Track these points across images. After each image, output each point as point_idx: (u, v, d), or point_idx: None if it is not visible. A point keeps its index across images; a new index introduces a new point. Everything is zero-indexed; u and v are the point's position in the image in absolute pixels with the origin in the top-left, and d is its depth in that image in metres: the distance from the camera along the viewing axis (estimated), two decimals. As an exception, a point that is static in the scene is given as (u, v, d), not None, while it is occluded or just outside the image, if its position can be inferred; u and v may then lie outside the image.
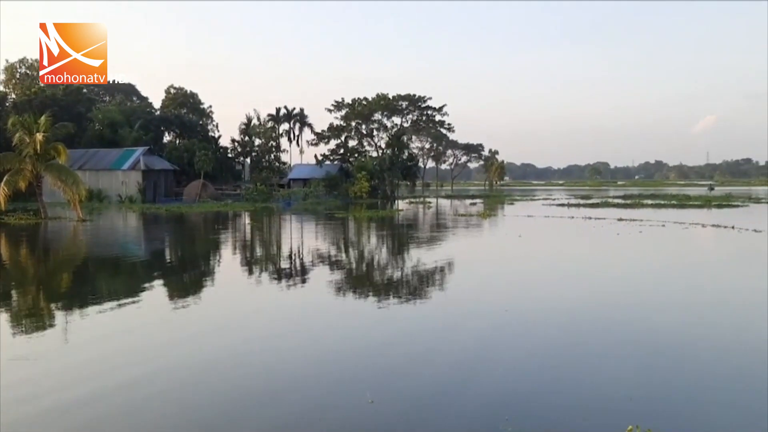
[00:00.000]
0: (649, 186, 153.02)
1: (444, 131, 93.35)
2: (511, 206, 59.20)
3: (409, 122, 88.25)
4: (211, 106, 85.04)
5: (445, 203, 68.78)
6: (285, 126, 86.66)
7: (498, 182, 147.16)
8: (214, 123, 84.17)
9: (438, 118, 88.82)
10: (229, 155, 77.75)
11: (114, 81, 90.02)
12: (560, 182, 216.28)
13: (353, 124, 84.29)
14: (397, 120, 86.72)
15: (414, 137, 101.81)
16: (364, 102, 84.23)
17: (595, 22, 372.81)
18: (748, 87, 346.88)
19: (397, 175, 78.33)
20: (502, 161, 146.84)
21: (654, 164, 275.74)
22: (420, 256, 22.27)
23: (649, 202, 61.16)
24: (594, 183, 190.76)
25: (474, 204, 63.97)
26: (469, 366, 9.14)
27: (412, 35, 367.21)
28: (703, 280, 17.49)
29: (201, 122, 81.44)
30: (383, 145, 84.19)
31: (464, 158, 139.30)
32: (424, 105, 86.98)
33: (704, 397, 7.86)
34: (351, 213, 47.89)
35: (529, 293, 15.02)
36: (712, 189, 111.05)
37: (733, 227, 31.18)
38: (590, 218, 38.95)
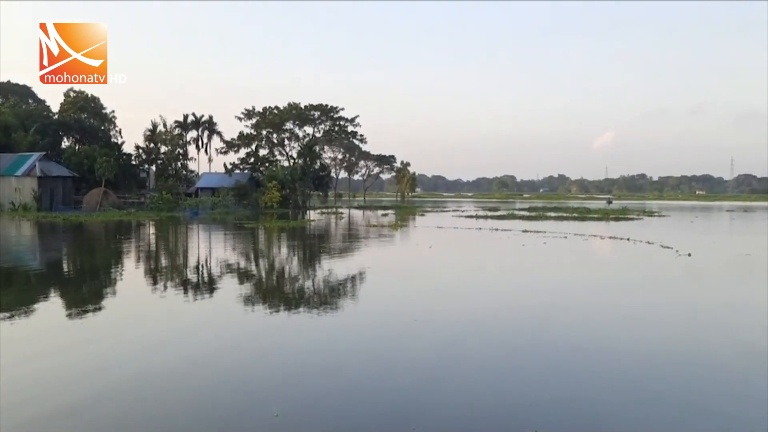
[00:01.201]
0: (552, 199, 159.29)
1: (356, 142, 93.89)
2: (422, 217, 59.99)
3: (322, 132, 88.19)
4: (113, 111, 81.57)
5: (357, 214, 68.88)
6: (193, 133, 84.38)
7: (409, 194, 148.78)
8: (117, 128, 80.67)
9: (350, 128, 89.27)
10: (133, 162, 74.74)
11: (8, 81, 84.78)
12: (469, 194, 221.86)
13: (264, 132, 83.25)
14: (309, 130, 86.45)
15: (326, 147, 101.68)
16: (276, 111, 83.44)
17: (504, 40, 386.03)
18: (644, 106, 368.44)
19: (308, 185, 77.86)
20: (414, 173, 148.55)
21: (557, 178, 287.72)
22: (331, 267, 22.09)
23: (553, 214, 63.58)
24: (501, 195, 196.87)
25: (386, 215, 64.42)
26: (378, 376, 9.06)
27: (326, 45, 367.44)
28: (601, 287, 18.21)
29: (103, 127, 77.87)
30: (295, 155, 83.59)
31: (376, 169, 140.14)
32: (336, 115, 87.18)
33: (605, 398, 8.09)
34: (261, 223, 47.05)
35: (438, 303, 15.13)
36: (610, 203, 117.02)
37: (628, 239, 32.85)
38: (497, 230, 40.01)
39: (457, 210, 77.91)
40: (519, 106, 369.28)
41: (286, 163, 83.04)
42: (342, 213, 68.91)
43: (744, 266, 23.19)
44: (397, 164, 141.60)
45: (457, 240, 33.78)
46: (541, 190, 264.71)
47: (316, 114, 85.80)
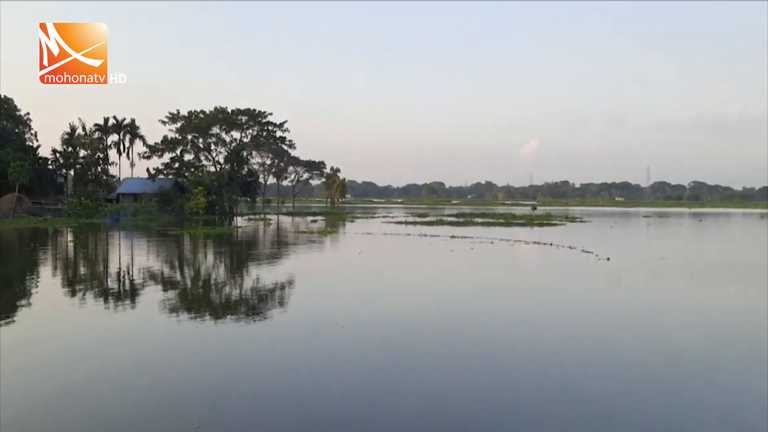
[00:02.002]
0: (479, 205, 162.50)
1: (285, 147, 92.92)
2: (351, 223, 59.90)
3: (249, 137, 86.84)
4: (29, 113, 77.89)
5: (286, 220, 68.13)
6: (114, 137, 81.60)
7: (339, 200, 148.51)
8: (33, 131, 77.07)
9: (279, 134, 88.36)
10: (50, 167, 71.49)
11: None
12: (399, 200, 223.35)
13: (189, 137, 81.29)
14: (236, 134, 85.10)
15: (254, 153, 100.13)
16: (202, 115, 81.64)
17: (434, 47, 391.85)
18: (566, 115, 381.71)
19: (236, 191, 76.48)
20: (344, 179, 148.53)
21: (485, 185, 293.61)
22: (258, 274, 21.69)
23: (480, 220, 64.79)
24: (430, 201, 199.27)
25: (315, 221, 64.00)
26: (302, 385, 8.89)
27: (253, 50, 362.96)
28: (525, 291, 18.58)
29: (17, 130, 74.18)
30: (222, 160, 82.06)
31: (306, 175, 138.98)
32: (264, 120, 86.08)
33: (525, 397, 8.21)
34: (186, 230, 45.77)
35: (367, 310, 15.08)
36: (534, 209, 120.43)
37: (551, 244, 33.80)
38: (426, 236, 40.39)
39: (387, 216, 78.27)
40: (448, 114, 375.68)
41: (212, 169, 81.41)
42: (270, 219, 67.99)
43: (659, 269, 24.20)
44: (327, 170, 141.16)
45: (387, 246, 33.88)
46: (469, 197, 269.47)
47: (244, 119, 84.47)
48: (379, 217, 76.50)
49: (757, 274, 23.68)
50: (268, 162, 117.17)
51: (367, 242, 35.88)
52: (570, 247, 31.70)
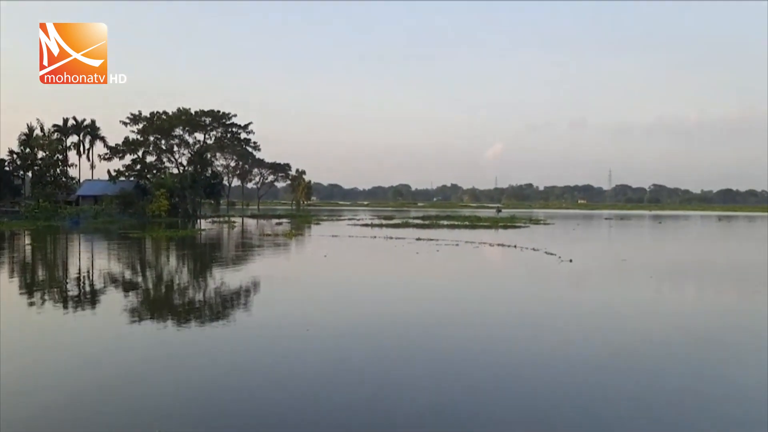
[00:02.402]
0: (445, 207, 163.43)
1: (250, 149, 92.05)
2: (317, 226, 59.62)
3: (213, 139, 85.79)
4: (-15, 114, 75.89)
5: (251, 223, 67.49)
6: (74, 138, 79.86)
7: (305, 202, 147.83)
8: (-11, 132, 75.12)
9: (244, 135, 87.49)
10: (7, 168, 69.60)
11: None
12: (365, 203, 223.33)
13: (152, 138, 79.97)
14: (200, 136, 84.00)
15: (218, 154, 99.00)
16: (164, 116, 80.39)
17: (400, 51, 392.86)
18: (531, 118, 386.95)
19: (199, 193, 75.46)
20: (310, 181, 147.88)
21: (450, 187, 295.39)
22: (222, 277, 21.39)
23: (445, 222, 65.10)
24: (396, 204, 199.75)
25: (280, 223, 63.53)
26: (267, 389, 8.76)
27: (218, 50, 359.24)
28: (490, 292, 18.70)
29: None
30: (185, 162, 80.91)
31: (271, 177, 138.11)
32: (228, 122, 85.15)
33: (492, 397, 8.21)
34: (148, 233, 45.00)
35: (332, 312, 14.96)
36: (499, 211, 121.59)
37: (515, 246, 34.11)
38: (392, 238, 40.39)
39: (353, 218, 78.12)
40: (414, 117, 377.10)
41: (175, 171, 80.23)
42: (235, 222, 67.28)
43: (621, 270, 24.59)
44: (293, 172, 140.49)
45: (353, 248, 33.77)
46: (435, 199, 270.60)
47: (208, 120, 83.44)
48: (345, 219, 76.32)
49: (713, 274, 24.25)
50: (233, 164, 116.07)
51: (332, 245, 35.72)
52: (534, 249, 32.02)
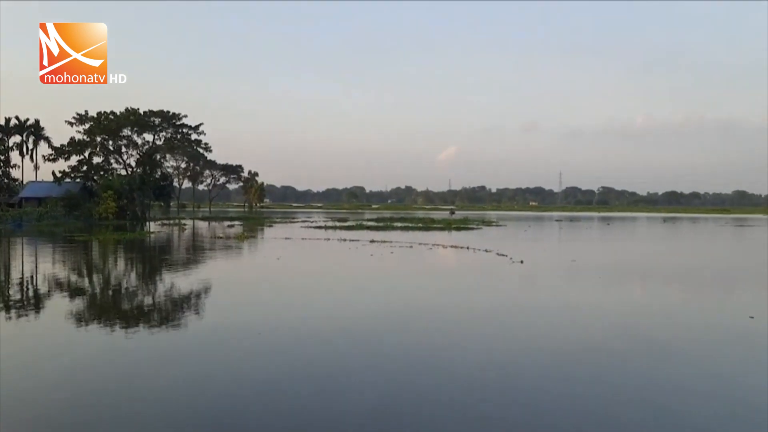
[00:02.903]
0: (399, 209, 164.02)
1: (201, 150, 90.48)
2: (270, 228, 59.04)
3: (163, 140, 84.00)
4: None
5: (202, 225, 66.36)
6: (16, 138, 77.11)
7: (258, 204, 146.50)
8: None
9: (194, 136, 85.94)
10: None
11: None
12: (319, 205, 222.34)
13: (99, 139, 77.82)
14: (149, 137, 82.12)
15: (168, 156, 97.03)
16: (112, 116, 78.39)
17: (355, 51, 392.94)
18: (484, 121, 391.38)
19: (148, 195, 73.89)
20: (262, 183, 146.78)
21: (405, 189, 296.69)
22: (172, 281, 20.91)
23: (399, 224, 65.31)
24: (351, 206, 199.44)
25: (232, 226, 62.68)
26: (215, 396, 8.54)
27: (169, 50, 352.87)
28: (442, 294, 18.75)
29: None
30: (133, 163, 79.09)
31: (223, 179, 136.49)
32: (179, 122, 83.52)
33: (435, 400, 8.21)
34: (94, 236, 43.74)
35: (284, 315, 14.79)
36: (453, 213, 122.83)
37: (468, 248, 34.41)
38: (345, 240, 40.29)
39: (307, 221, 77.69)
40: (368, 119, 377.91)
41: (123, 172, 78.31)
42: (185, 224, 66.05)
43: (570, 271, 25.03)
44: (245, 174, 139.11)
45: (306, 251, 33.52)
46: (389, 201, 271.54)
47: (157, 120, 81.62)
48: (298, 221, 75.80)
49: (657, 275, 24.91)
50: (183, 165, 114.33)
51: (285, 247, 35.39)
52: (486, 251, 32.34)
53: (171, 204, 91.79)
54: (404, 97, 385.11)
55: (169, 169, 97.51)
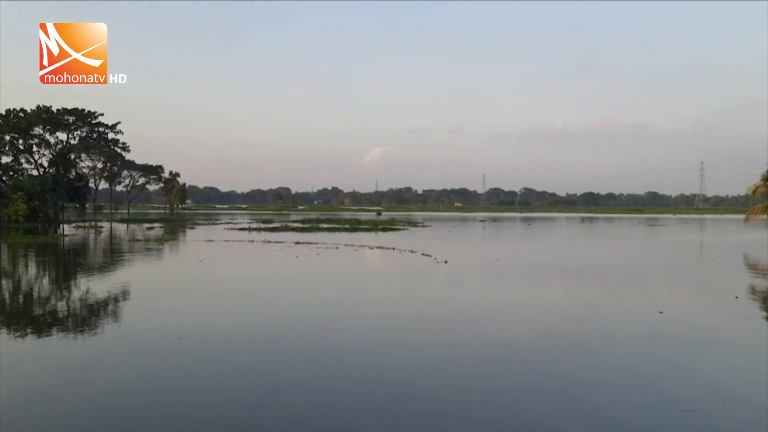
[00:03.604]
0: (326, 211, 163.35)
1: (119, 150, 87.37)
2: (192, 230, 57.60)
3: (78, 139, 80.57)
4: None
5: (120, 228, 63.99)
6: None
7: (179, 206, 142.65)
8: None
9: (112, 136, 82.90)
10: None
11: None
12: (244, 206, 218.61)
13: (7, 138, 73.82)
14: (62, 136, 78.63)
15: (83, 156, 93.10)
16: (22, 114, 74.56)
17: (275, 51, 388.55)
18: (411, 123, 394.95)
19: (62, 196, 70.60)
20: (184, 184, 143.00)
21: (331, 190, 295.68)
22: (87, 286, 20.02)
23: (326, 226, 65.05)
24: (276, 207, 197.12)
25: (152, 228, 60.76)
26: (133, 399, 8.21)
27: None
28: (366, 292, 18.77)
29: None
30: (46, 163, 75.46)
31: (142, 180, 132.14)
32: (95, 121, 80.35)
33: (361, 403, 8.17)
34: (3, 239, 41.38)
35: (206, 319, 14.40)
36: (379, 214, 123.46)
37: (394, 248, 34.63)
38: (270, 242, 39.77)
39: (230, 222, 76.26)
40: (294, 119, 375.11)
41: (35, 173, 74.59)
42: (102, 227, 63.49)
43: (493, 270, 25.57)
44: (166, 175, 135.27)
45: (229, 253, 32.85)
46: (315, 202, 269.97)
47: (71, 119, 78.25)
48: (221, 223, 74.28)
49: (576, 273, 25.80)
50: (100, 166, 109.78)
51: (208, 250, 34.57)
52: (411, 251, 32.62)
53: (87, 206, 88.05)
54: (330, 96, 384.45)
55: (84, 170, 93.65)
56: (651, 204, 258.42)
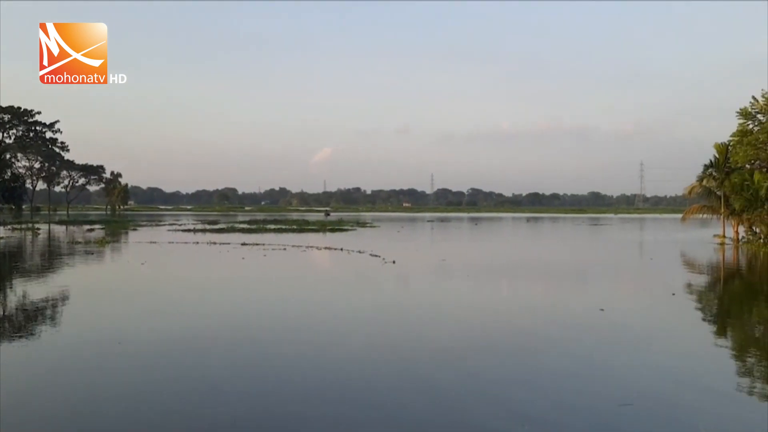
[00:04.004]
0: (273, 212, 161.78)
1: (57, 150, 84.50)
2: (135, 232, 56.20)
3: (13, 138, 77.57)
4: None
5: (58, 229, 61.93)
6: None
7: (121, 207, 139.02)
8: None
9: (49, 135, 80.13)
10: None
11: None
12: (189, 207, 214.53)
13: (-62, 136, 70.59)
14: (-3, 135, 75.49)
15: (20, 155, 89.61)
16: (-47, 111, 71.38)
17: (220, 50, 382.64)
18: (359, 124, 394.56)
19: (-4, 197, 67.83)
20: (126, 184, 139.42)
21: (279, 191, 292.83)
22: (24, 290, 19.30)
23: (273, 227, 64.40)
24: (222, 208, 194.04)
25: (92, 230, 58.99)
26: (73, 407, 7.93)
27: (21, 42, 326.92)
28: (311, 293, 18.66)
29: None
30: (-21, 163, 72.30)
31: (82, 180, 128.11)
32: (31, 120, 77.53)
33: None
34: (-68, 242, 39.53)
35: (148, 323, 14.07)
36: (327, 215, 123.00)
37: (342, 249, 34.55)
38: (215, 243, 39.17)
39: (175, 224, 74.76)
40: (241, 119, 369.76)
41: (-33, 172, 71.46)
42: (39, 229, 61.25)
43: (441, 270, 25.78)
44: (107, 175, 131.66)
45: (173, 255, 32.18)
46: (262, 203, 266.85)
47: (6, 117, 75.30)
48: (165, 224, 72.71)
49: (521, 272, 26.27)
50: (37, 166, 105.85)
51: (151, 252, 33.77)
52: (359, 252, 32.61)
53: (23, 207, 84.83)
54: (277, 96, 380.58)
55: (20, 170, 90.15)
56: (593, 204, 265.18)
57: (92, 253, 32.82)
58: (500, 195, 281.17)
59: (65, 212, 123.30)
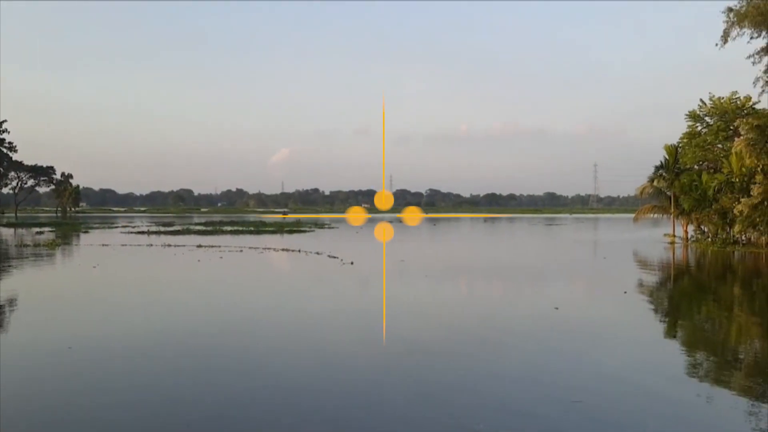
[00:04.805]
0: (230, 213, 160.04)
1: (5, 150, 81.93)
2: (86, 235, 54.81)
3: (-42, 138, 74.91)
4: None
5: (6, 232, 59.98)
6: None
7: (73, 209, 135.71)
8: None
9: (-4, 135, 77.57)
10: None
11: None
12: (143, 209, 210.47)
13: None
14: (-60, 134, 72.77)
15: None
16: None
17: (174, 49, 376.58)
18: (318, 125, 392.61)
19: (-60, 199, 65.44)
20: (78, 186, 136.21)
21: (236, 192, 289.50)
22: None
23: (230, 228, 63.66)
24: (178, 210, 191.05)
25: (42, 233, 57.30)
26: (17, 413, 7.66)
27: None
28: (268, 295, 18.51)
29: None
30: None
31: (31, 182, 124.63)
32: (-23, 119, 74.92)
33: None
34: None
35: (99, 328, 13.71)
36: (285, 216, 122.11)
37: (299, 250, 34.36)
38: (170, 245, 38.50)
39: (128, 226, 73.23)
40: (197, 120, 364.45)
41: None
42: (-14, 232, 59.31)
43: (399, 271, 25.83)
44: (57, 176, 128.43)
45: (126, 258, 31.47)
46: (219, 204, 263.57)
47: (-50, 116, 72.65)
48: (118, 227, 71.13)
49: (478, 272, 26.54)
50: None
51: (103, 255, 32.96)
52: (317, 253, 32.46)
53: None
54: (233, 97, 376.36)
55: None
56: (549, 204, 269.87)
57: (42, 257, 31.89)
58: (458, 195, 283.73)
59: (13, 214, 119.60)
